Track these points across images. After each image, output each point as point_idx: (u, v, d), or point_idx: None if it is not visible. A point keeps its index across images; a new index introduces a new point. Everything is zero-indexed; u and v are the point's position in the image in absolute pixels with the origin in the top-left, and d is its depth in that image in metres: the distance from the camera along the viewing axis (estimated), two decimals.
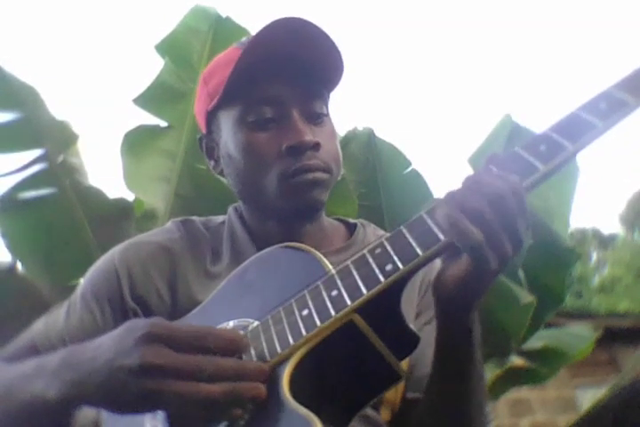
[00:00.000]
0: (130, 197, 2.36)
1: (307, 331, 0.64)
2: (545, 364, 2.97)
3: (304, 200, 0.85)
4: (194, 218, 0.97)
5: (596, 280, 18.10)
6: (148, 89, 2.34)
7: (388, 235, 0.67)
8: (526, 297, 2.35)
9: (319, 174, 0.85)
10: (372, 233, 0.99)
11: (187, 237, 0.93)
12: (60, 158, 2.23)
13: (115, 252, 0.92)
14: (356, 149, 2.46)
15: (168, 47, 2.39)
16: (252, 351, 0.66)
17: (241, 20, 2.41)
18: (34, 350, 0.84)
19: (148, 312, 0.86)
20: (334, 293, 0.65)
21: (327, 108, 0.92)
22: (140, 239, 0.94)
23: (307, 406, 0.59)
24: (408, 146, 2.84)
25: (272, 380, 0.61)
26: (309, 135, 0.84)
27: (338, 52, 0.87)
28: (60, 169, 2.22)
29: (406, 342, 0.68)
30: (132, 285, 0.87)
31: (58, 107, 2.37)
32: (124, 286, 0.87)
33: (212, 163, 0.96)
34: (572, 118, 0.64)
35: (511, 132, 2.58)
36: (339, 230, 0.99)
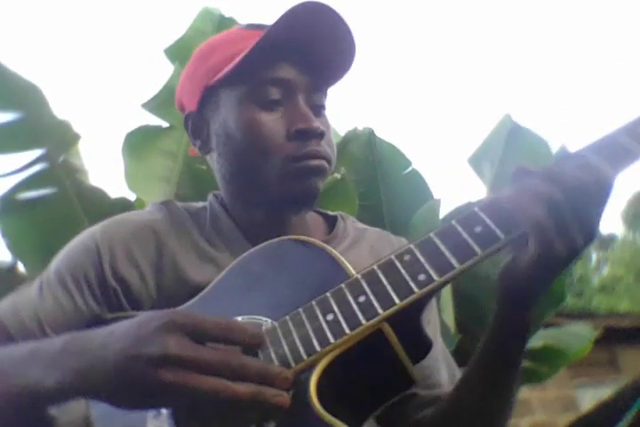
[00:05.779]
0: (131, 197, 2.37)
1: (334, 338, 0.62)
2: (545, 364, 2.97)
3: (303, 186, 0.83)
4: (174, 200, 0.94)
5: (596, 280, 18.08)
6: (159, 94, 2.33)
7: (417, 241, 0.65)
8: None
9: (323, 162, 0.84)
10: (351, 226, 0.98)
11: (170, 217, 0.89)
12: (61, 158, 2.23)
13: (96, 229, 0.88)
14: (356, 149, 2.46)
15: (177, 52, 2.38)
16: (273, 355, 0.63)
17: (247, 18, 2.42)
18: (2, 330, 0.80)
19: (128, 294, 0.82)
20: (361, 298, 0.63)
21: (326, 102, 0.91)
22: (123, 217, 0.90)
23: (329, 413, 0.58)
24: (408, 146, 2.85)
25: (297, 387, 0.59)
26: (317, 122, 0.84)
27: (353, 50, 0.87)
28: (60, 169, 2.21)
29: (422, 347, 0.68)
30: (113, 263, 0.83)
31: (60, 106, 2.37)
32: (105, 263, 0.83)
33: (199, 143, 0.92)
34: (611, 141, 0.63)
35: (511, 132, 2.58)
36: (319, 223, 0.97)
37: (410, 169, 2.46)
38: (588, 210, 0.60)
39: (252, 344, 0.57)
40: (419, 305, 0.64)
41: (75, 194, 2.22)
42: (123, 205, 2.31)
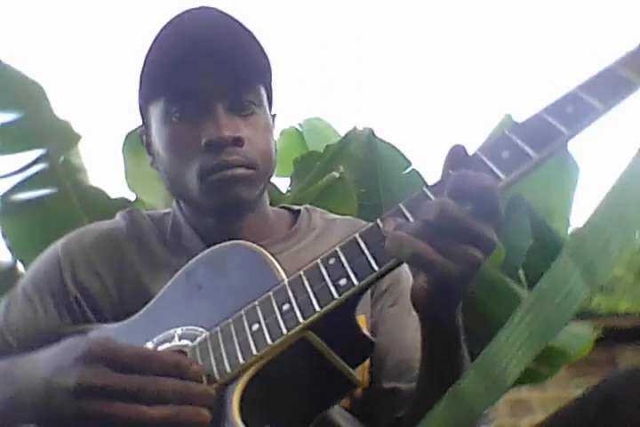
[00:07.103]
0: (131, 197, 2.36)
1: (257, 349, 0.61)
2: (545, 364, 2.97)
3: (225, 197, 0.82)
4: (140, 209, 0.96)
5: None
6: None
7: (342, 243, 0.63)
8: None
9: (240, 171, 0.82)
10: (319, 218, 0.97)
11: (132, 226, 0.91)
12: (62, 158, 2.23)
13: (58, 243, 0.90)
14: (356, 149, 2.46)
15: None
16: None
17: (247, 19, 2.41)
18: None
19: (90, 302, 0.84)
20: (286, 307, 0.62)
21: (260, 100, 0.87)
22: (85, 229, 0.92)
23: (258, 425, 0.57)
24: (408, 146, 2.83)
25: (221, 400, 0.58)
26: (229, 130, 0.81)
27: (254, 39, 0.85)
28: (60, 169, 2.21)
29: (361, 348, 0.66)
30: (74, 273, 0.85)
31: (61, 106, 2.36)
32: (66, 274, 0.85)
33: (151, 158, 0.94)
34: (537, 122, 0.59)
35: None
36: (283, 219, 0.96)
37: (410, 169, 2.46)
38: (464, 225, 0.58)
39: (170, 374, 0.56)
40: (347, 307, 0.62)
41: (75, 194, 2.22)
42: (123, 205, 2.29)
